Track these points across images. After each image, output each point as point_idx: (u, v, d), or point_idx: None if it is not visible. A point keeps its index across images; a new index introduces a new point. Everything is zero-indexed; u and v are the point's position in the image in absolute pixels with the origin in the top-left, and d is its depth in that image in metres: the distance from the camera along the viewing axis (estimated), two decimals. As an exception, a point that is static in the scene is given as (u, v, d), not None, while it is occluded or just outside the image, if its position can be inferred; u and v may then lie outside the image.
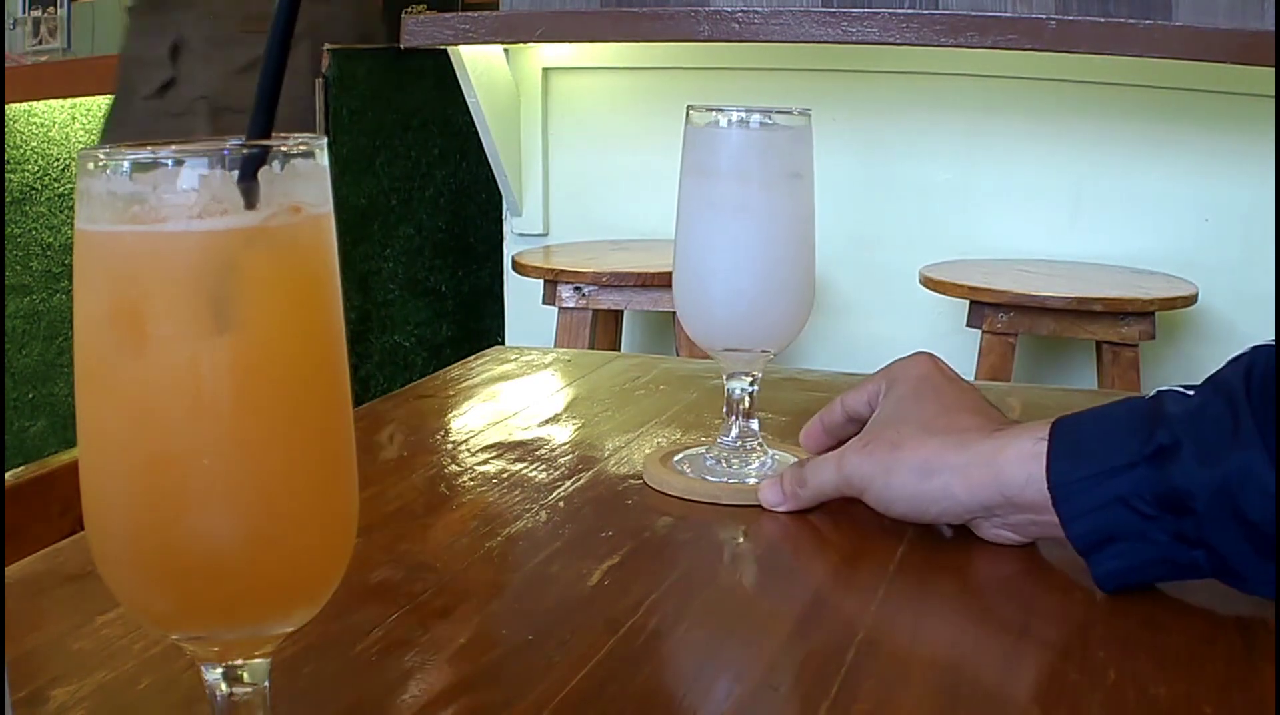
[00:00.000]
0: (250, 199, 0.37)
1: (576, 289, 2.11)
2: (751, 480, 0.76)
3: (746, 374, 0.78)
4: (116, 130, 2.47)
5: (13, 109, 3.10)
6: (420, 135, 3.10)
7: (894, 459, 0.68)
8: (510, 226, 2.61)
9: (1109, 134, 2.21)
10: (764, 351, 0.78)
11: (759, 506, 0.74)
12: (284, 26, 0.40)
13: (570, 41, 2.37)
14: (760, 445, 0.79)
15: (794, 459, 0.80)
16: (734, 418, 0.79)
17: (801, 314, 0.78)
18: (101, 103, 3.11)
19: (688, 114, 0.77)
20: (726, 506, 0.75)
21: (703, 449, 0.80)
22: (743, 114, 0.75)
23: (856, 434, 0.74)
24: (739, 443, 0.79)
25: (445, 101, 3.10)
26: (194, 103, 2.32)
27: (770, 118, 0.75)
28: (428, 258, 3.16)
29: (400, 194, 2.92)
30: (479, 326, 3.20)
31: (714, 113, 0.75)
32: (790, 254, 0.77)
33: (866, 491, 0.70)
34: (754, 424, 0.79)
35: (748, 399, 0.79)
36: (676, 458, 0.80)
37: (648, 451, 0.83)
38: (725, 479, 0.77)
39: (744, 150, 0.76)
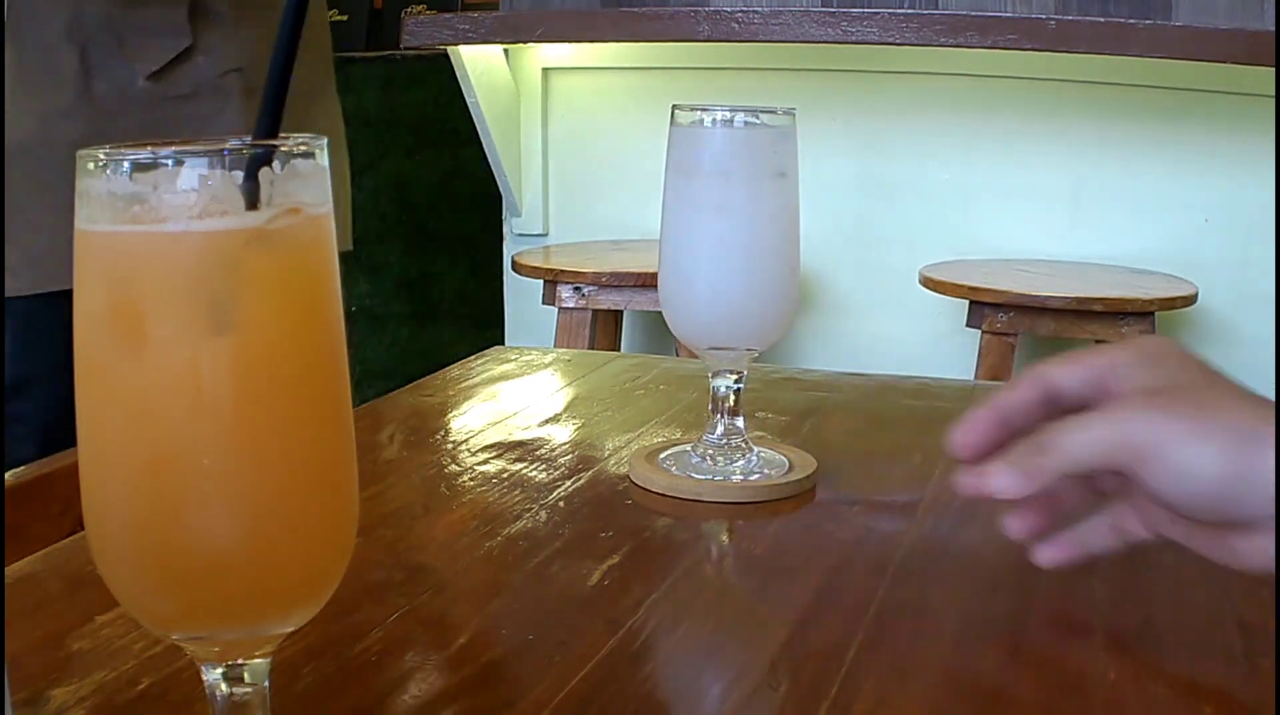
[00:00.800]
0: (251, 199, 0.37)
1: (576, 289, 2.11)
2: (736, 477, 0.77)
3: (732, 372, 0.78)
4: (80, 123, 1.64)
5: (13, 109, 3.10)
6: (361, 133, 3.13)
7: (1203, 418, 0.51)
8: (510, 226, 2.61)
9: (1109, 134, 2.21)
10: (749, 349, 0.78)
11: (745, 504, 0.74)
12: (293, 24, 0.40)
13: (570, 41, 2.37)
14: (746, 443, 0.79)
15: (782, 458, 0.80)
16: (719, 416, 0.79)
17: (787, 313, 0.78)
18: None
19: (673, 113, 0.77)
20: (712, 504, 0.75)
21: (689, 447, 0.80)
22: (727, 113, 0.75)
23: (1044, 424, 0.56)
24: (724, 441, 0.79)
25: (390, 102, 3.13)
26: (222, 78, 1.73)
27: (755, 117, 0.76)
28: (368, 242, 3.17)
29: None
30: (424, 301, 3.22)
31: (698, 112, 0.76)
32: (775, 253, 0.77)
33: (1151, 459, 0.51)
34: (739, 422, 0.79)
35: (733, 397, 0.79)
36: (663, 455, 0.80)
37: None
38: (710, 476, 0.77)
39: (728, 149, 0.76)
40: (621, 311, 2.34)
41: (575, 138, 2.55)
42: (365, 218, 3.15)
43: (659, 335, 2.50)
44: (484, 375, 1.06)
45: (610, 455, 0.84)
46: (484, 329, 3.01)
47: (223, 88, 1.74)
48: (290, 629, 0.41)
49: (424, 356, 3.16)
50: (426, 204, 3.22)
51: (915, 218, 2.33)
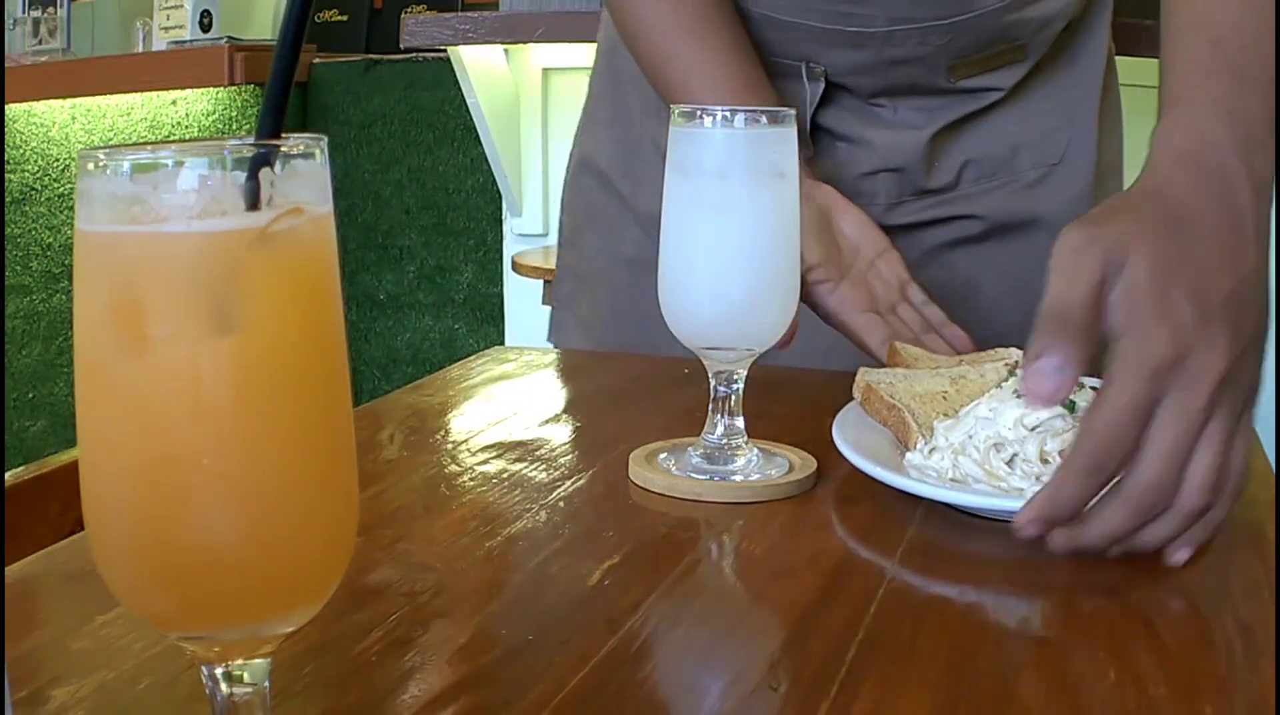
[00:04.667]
0: (251, 200, 0.37)
1: (576, 289, 2.10)
2: (736, 477, 0.77)
3: (732, 372, 0.79)
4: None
5: (13, 109, 3.10)
6: (387, 130, 3.15)
7: None
8: (510, 226, 2.61)
9: (1109, 134, 2.20)
10: (748, 350, 0.78)
11: (747, 504, 0.74)
12: (295, 25, 0.40)
13: (570, 41, 2.36)
14: (745, 443, 0.79)
15: (782, 458, 0.80)
16: (719, 416, 0.79)
17: (786, 313, 0.78)
18: (102, 103, 3.10)
19: (673, 113, 0.77)
20: (712, 504, 0.75)
21: (688, 447, 0.80)
22: (726, 113, 0.75)
23: None
24: (724, 441, 0.79)
25: (414, 101, 3.15)
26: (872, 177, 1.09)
27: (755, 117, 0.76)
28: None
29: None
30: (442, 292, 3.25)
31: (698, 112, 0.76)
32: (774, 253, 0.77)
33: None
34: (740, 422, 0.79)
35: (733, 397, 0.79)
36: (663, 455, 0.80)
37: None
38: (710, 476, 0.77)
39: (727, 149, 0.76)
40: (621, 311, 2.33)
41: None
42: (391, 210, 3.17)
43: (659, 335, 2.50)
44: (484, 375, 1.06)
45: (610, 455, 0.84)
46: (498, 322, 3.02)
47: (877, 183, 1.10)
48: (290, 629, 0.41)
49: (444, 346, 3.17)
50: (444, 199, 3.24)
51: (915, 218, 2.33)
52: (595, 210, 1.21)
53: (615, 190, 1.19)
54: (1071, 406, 0.71)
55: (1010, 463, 0.71)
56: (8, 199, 3.11)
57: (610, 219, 1.19)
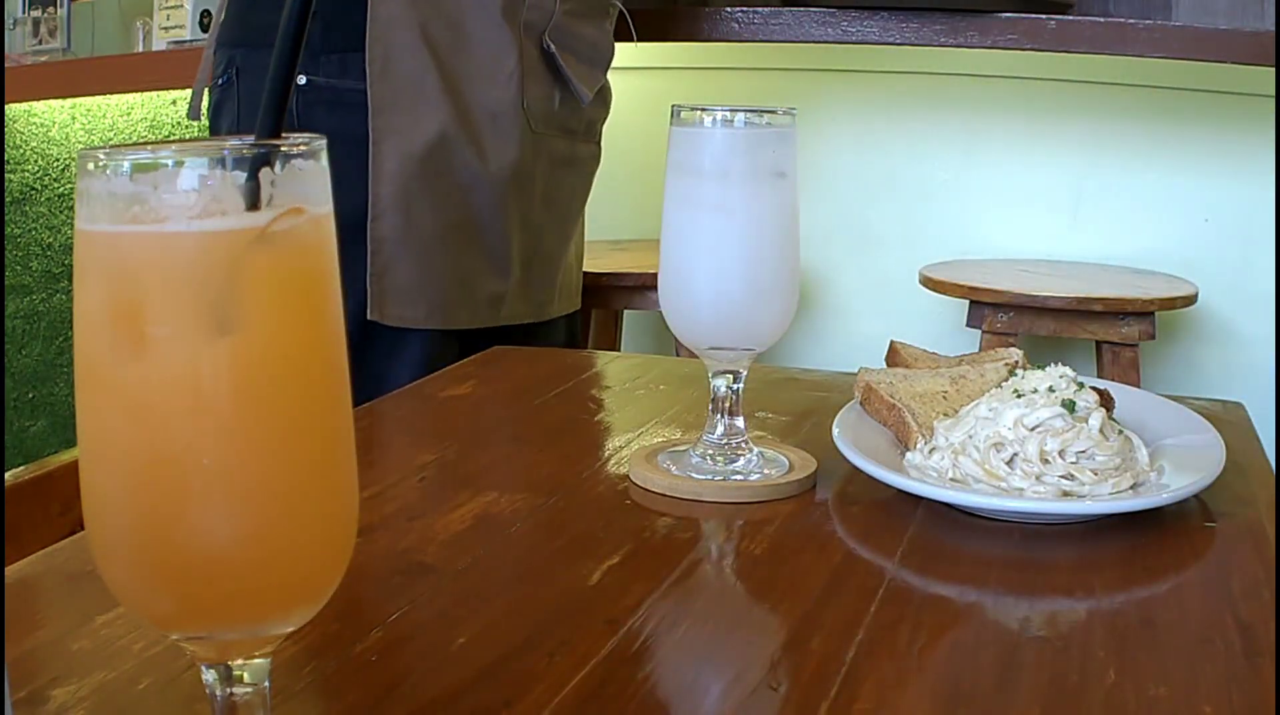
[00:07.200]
0: (251, 200, 0.37)
1: (576, 289, 2.10)
2: (736, 477, 0.77)
3: (732, 372, 0.79)
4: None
5: (13, 109, 3.10)
6: None
7: None
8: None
9: (1109, 134, 2.21)
10: (749, 349, 0.78)
11: (745, 504, 0.74)
12: (295, 25, 0.40)
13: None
14: (746, 443, 0.79)
15: (782, 458, 0.80)
16: (719, 416, 0.79)
17: (786, 313, 0.78)
18: (102, 103, 3.10)
19: (673, 113, 0.77)
20: (712, 504, 0.75)
21: (689, 447, 0.80)
22: (727, 113, 0.75)
23: None
24: (725, 440, 0.79)
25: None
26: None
27: (755, 117, 0.76)
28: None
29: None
30: None
31: (698, 112, 0.76)
32: (774, 253, 0.77)
33: None
34: (740, 422, 0.79)
35: (733, 397, 0.79)
36: (663, 455, 0.80)
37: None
38: (710, 476, 0.77)
39: (727, 149, 0.76)
40: (621, 311, 2.33)
41: (575, 138, 2.54)
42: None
43: (659, 335, 2.50)
44: (484, 376, 1.06)
45: (610, 455, 0.84)
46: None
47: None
48: (290, 629, 0.41)
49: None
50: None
51: (915, 218, 2.33)
52: None
53: None
54: (1071, 406, 0.71)
55: (1010, 463, 0.71)
56: (8, 199, 3.11)
57: None
